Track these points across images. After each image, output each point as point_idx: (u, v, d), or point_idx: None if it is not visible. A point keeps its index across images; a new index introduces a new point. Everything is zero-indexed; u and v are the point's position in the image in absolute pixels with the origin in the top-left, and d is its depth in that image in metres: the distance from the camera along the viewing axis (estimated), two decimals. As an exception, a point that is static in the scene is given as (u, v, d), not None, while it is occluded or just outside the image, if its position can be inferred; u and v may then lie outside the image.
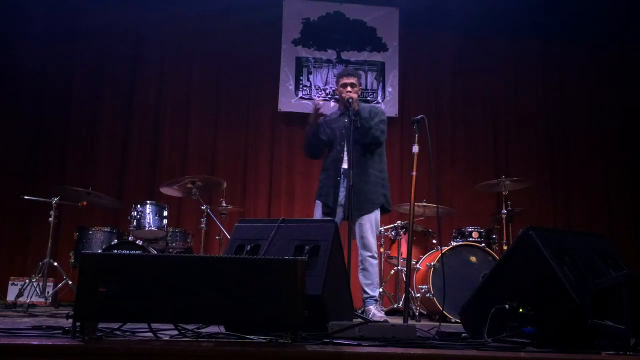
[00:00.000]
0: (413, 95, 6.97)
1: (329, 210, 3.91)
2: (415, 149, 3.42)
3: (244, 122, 6.70)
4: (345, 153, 3.92)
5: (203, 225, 5.27)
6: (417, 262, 4.86)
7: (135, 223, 4.98)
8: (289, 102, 6.70)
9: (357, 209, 3.77)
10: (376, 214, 3.95)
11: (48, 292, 4.95)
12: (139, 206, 5.04)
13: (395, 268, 5.02)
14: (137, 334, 2.10)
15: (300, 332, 2.05)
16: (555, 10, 6.83)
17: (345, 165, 3.88)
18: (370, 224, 3.89)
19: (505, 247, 4.94)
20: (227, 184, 5.49)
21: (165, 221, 5.11)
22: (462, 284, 4.31)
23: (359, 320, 2.71)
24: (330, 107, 6.65)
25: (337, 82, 4.13)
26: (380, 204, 3.97)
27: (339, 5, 6.91)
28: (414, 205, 3.39)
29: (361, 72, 6.77)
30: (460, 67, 7.07)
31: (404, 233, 4.90)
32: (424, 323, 4.15)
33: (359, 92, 4.10)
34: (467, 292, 2.79)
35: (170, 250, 5.26)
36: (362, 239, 3.87)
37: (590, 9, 6.74)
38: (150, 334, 2.08)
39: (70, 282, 4.90)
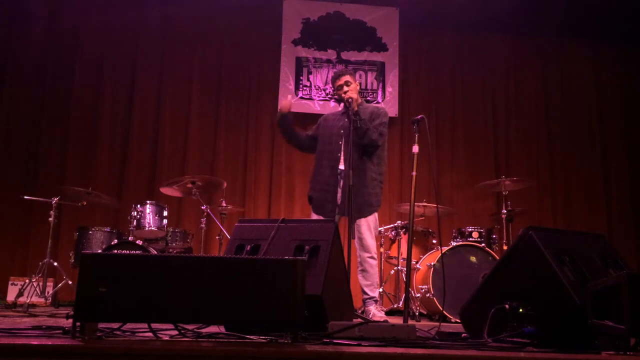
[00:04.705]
0: (413, 95, 6.97)
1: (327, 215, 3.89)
2: (415, 149, 3.42)
3: (244, 122, 6.70)
4: (342, 153, 3.89)
5: (203, 225, 5.27)
6: (417, 262, 4.86)
7: (135, 223, 4.97)
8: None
9: (355, 211, 3.76)
10: (374, 216, 3.95)
11: (48, 292, 4.95)
12: (139, 206, 5.04)
13: (395, 268, 5.02)
14: (137, 334, 2.10)
15: (300, 332, 2.05)
16: (555, 10, 6.83)
17: (341, 166, 3.85)
18: (369, 225, 3.88)
19: (505, 247, 4.94)
20: (227, 184, 5.49)
21: (165, 221, 5.11)
22: (462, 284, 4.32)
23: (359, 320, 2.71)
24: (331, 107, 6.67)
25: (333, 86, 4.12)
26: (378, 205, 3.97)
27: (339, 5, 6.91)
28: (414, 205, 3.39)
29: (361, 72, 6.78)
30: (460, 67, 7.07)
31: (404, 233, 4.90)
32: (424, 323, 4.15)
33: (357, 87, 4.09)
34: (467, 292, 2.79)
35: (170, 250, 5.26)
36: (360, 241, 3.87)
37: (590, 8, 6.73)
38: (150, 334, 2.08)
39: (70, 282, 4.90)
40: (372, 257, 3.86)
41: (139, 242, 4.75)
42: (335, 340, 2.11)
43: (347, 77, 4.01)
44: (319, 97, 6.73)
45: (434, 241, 5.12)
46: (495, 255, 4.65)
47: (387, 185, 6.45)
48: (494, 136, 6.96)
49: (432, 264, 4.61)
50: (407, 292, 3.39)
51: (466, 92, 7.03)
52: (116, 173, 6.44)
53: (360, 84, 6.64)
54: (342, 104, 4.12)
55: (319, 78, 6.77)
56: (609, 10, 6.75)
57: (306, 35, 6.82)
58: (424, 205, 5.20)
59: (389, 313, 4.62)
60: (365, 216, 3.87)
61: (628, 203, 6.92)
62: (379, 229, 4.85)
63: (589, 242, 2.67)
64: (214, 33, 6.80)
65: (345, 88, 3.98)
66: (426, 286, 4.61)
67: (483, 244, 4.83)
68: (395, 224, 5.00)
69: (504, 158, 6.91)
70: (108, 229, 5.19)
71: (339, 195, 3.84)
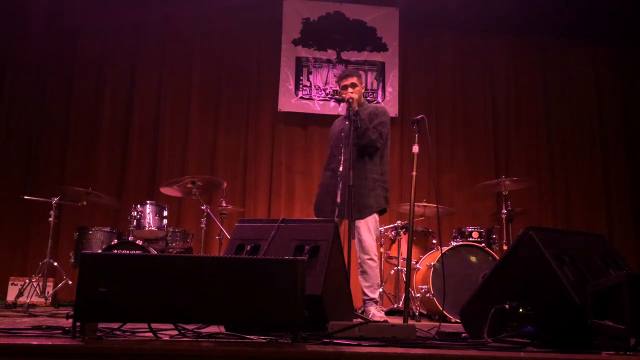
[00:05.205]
0: (413, 95, 6.96)
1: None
2: (415, 149, 3.42)
3: (244, 122, 6.69)
4: (342, 154, 3.88)
5: (203, 225, 5.27)
6: (417, 262, 4.86)
7: (135, 223, 4.97)
8: (289, 102, 6.70)
9: (355, 211, 3.75)
10: (374, 217, 3.92)
11: (48, 292, 4.95)
12: (139, 206, 5.04)
13: (395, 268, 5.02)
14: (137, 334, 2.10)
15: (300, 332, 2.05)
16: (555, 10, 6.83)
17: (342, 167, 3.83)
18: (368, 227, 3.86)
19: (505, 247, 4.94)
20: (227, 184, 5.48)
21: (165, 221, 5.11)
22: (462, 284, 4.32)
23: (359, 320, 2.71)
24: (331, 107, 6.67)
25: (338, 85, 4.12)
26: (378, 207, 3.94)
27: (339, 5, 6.91)
28: (414, 205, 3.39)
29: (361, 72, 6.77)
30: (460, 67, 7.07)
31: (404, 233, 4.90)
32: (424, 323, 4.15)
33: (362, 90, 4.08)
34: (467, 292, 2.79)
35: (170, 250, 5.26)
36: (359, 242, 3.85)
37: (590, 8, 6.73)
38: (150, 334, 2.08)
39: (70, 282, 4.90)
40: (371, 259, 3.84)
41: (139, 242, 4.75)
42: (335, 340, 2.11)
43: (354, 79, 4.01)
44: (319, 97, 6.72)
45: (434, 241, 5.11)
46: (495, 255, 4.65)
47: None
48: (494, 136, 6.95)
49: (432, 264, 4.61)
50: (407, 292, 3.40)
51: (466, 92, 7.03)
52: (116, 173, 6.44)
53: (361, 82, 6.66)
54: (342, 104, 4.12)
55: (319, 78, 6.77)
56: (609, 11, 6.74)
57: (306, 35, 6.82)
58: (424, 205, 5.20)
59: (389, 313, 4.62)
60: (364, 217, 3.86)
61: (628, 203, 6.92)
62: (380, 229, 4.85)
63: (589, 242, 2.67)
64: (214, 33, 6.80)
65: (350, 89, 3.97)
66: (426, 286, 4.61)
67: (483, 244, 4.83)
68: (395, 224, 5.00)
69: (504, 158, 6.90)
70: (108, 229, 5.19)
71: (339, 196, 3.83)
